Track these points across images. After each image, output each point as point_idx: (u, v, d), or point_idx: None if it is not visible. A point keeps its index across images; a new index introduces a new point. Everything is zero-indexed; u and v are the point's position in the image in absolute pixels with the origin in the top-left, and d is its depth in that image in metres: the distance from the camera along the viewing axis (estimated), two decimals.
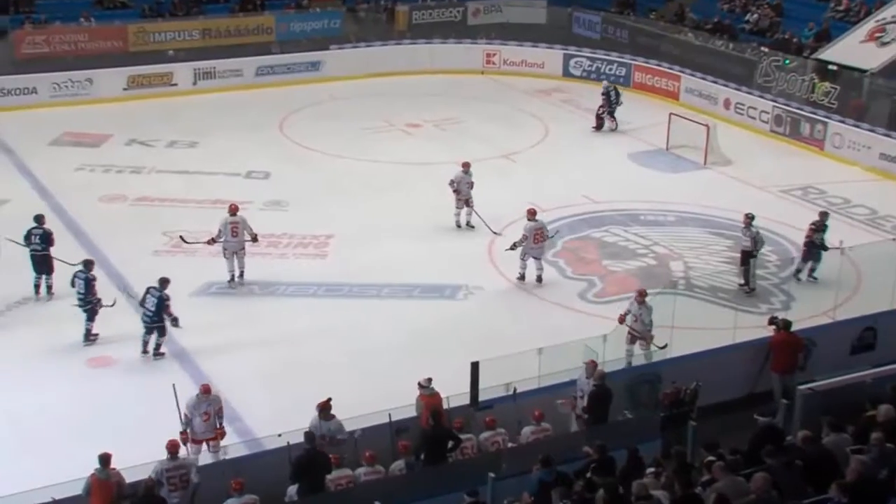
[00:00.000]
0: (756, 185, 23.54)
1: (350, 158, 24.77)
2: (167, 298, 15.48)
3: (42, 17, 30.08)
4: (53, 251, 17.38)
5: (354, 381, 14.97)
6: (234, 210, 18.01)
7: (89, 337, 16.11)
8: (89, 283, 16.02)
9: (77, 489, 11.27)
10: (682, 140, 25.52)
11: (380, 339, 16.37)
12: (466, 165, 20.70)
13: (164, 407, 13.08)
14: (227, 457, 12.45)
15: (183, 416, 12.81)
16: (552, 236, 19.07)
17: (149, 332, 15.67)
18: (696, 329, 15.57)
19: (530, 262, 18.24)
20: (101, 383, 15.14)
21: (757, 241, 18.07)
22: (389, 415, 12.68)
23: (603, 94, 27.40)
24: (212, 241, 17.85)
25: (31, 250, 17.29)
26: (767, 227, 20.22)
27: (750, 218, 18.06)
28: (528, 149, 25.92)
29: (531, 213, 18.35)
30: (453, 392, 13.02)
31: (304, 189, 22.58)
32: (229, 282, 17.97)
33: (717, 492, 9.09)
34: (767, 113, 27.34)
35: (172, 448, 11.67)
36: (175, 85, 29.77)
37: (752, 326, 15.85)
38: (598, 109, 27.32)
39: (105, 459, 11.32)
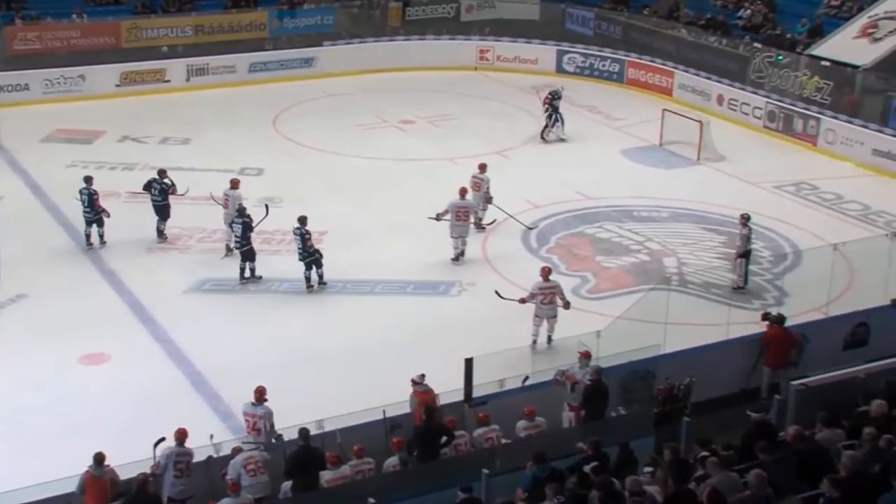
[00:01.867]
0: (749, 181, 23.59)
1: (344, 155, 24.77)
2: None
3: (33, 13, 29.99)
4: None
5: (349, 377, 14.99)
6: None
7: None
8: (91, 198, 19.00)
9: (71, 486, 11.27)
10: (676, 136, 25.55)
11: (374, 336, 16.38)
12: (483, 167, 20.60)
13: (157, 403, 13.06)
14: (221, 454, 12.46)
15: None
16: (531, 228, 19.50)
17: (308, 266, 17.67)
18: (689, 325, 15.62)
19: (452, 241, 18.80)
20: (94, 380, 15.13)
21: (749, 240, 18.00)
22: (384, 411, 12.69)
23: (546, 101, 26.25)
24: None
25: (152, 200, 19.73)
26: (761, 224, 20.29)
27: (746, 218, 18.01)
28: (522, 145, 25.93)
29: (461, 192, 18.89)
30: (447, 388, 13.05)
31: (297, 185, 22.57)
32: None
33: (711, 487, 9.12)
34: (761, 109, 27.39)
35: (181, 435, 11.70)
36: (168, 81, 29.73)
37: (745, 322, 15.90)
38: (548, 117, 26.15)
39: (99, 458, 11.32)
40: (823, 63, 27.02)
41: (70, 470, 11.39)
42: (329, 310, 17.41)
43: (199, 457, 11.92)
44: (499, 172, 21.34)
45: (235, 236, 18.09)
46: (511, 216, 20.36)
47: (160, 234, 19.78)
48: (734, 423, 11.93)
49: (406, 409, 12.97)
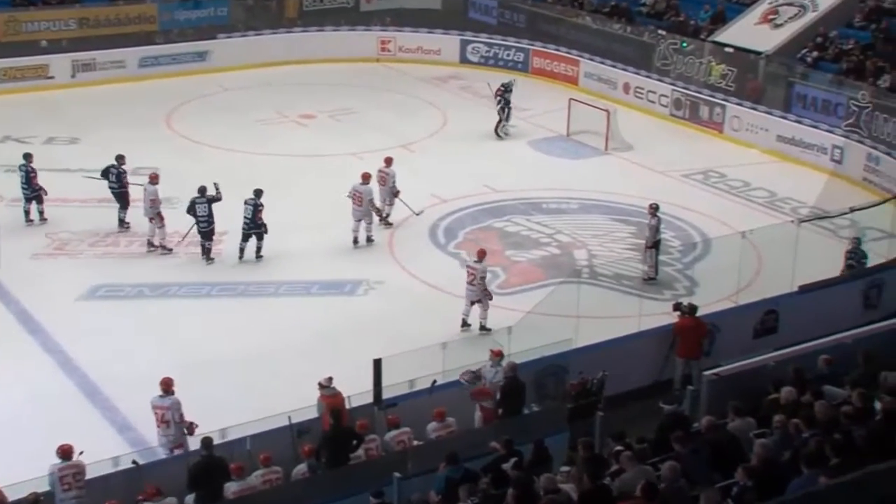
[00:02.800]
0: (657, 170, 24.04)
1: (242, 152, 24.50)
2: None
3: None
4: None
5: (252, 383, 14.85)
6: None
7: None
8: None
9: None
10: (583, 126, 25.88)
11: (278, 339, 16.26)
12: (389, 161, 20.59)
13: (49, 418, 12.75)
14: (122, 468, 12.24)
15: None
16: (418, 214, 20.14)
17: (245, 238, 18.71)
18: (601, 318, 15.86)
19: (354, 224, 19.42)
20: None
21: (658, 228, 18.32)
22: (289, 417, 12.61)
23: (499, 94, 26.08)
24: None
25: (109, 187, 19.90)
26: (670, 213, 20.70)
27: (654, 208, 18.33)
28: (427, 138, 25.99)
29: (362, 176, 19.40)
30: (356, 391, 13.02)
31: (194, 185, 22.16)
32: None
33: (645, 481, 9.22)
34: (667, 97, 27.93)
35: (63, 452, 11.63)
36: (52, 78, 29.00)
37: (656, 314, 16.19)
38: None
39: None
40: (727, 50, 27.65)
41: None
42: (230, 313, 17.22)
43: (100, 470, 11.72)
44: (403, 167, 21.36)
45: (200, 216, 18.63)
46: (404, 203, 20.37)
47: (121, 222, 19.90)
48: (648, 415, 12.15)
49: (314, 414, 12.91)
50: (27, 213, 20.08)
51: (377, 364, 13.04)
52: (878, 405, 10.49)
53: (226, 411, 13.38)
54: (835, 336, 13.68)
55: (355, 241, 19.57)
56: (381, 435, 12.62)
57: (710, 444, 10.43)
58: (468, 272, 16.67)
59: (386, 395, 13.17)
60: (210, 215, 18.69)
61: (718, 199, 22.49)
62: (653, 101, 28.31)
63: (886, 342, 13.13)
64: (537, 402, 13.68)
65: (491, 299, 16.59)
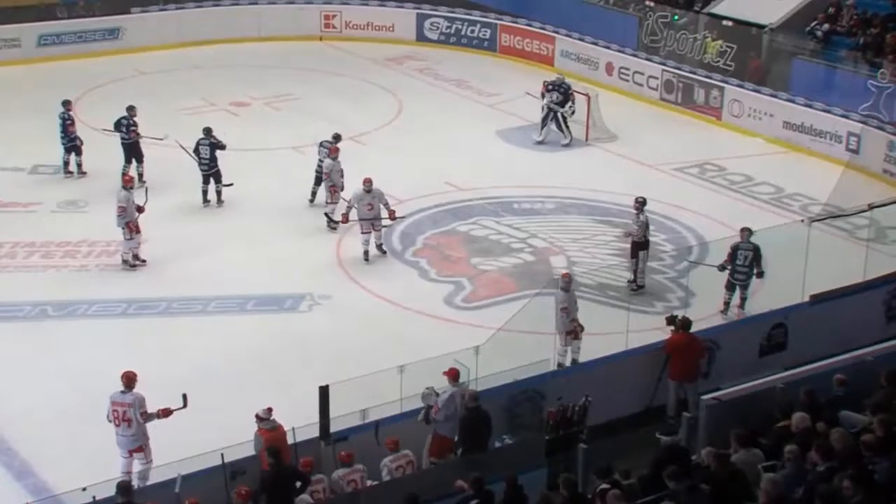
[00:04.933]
0: (646, 164, 24.19)
1: (163, 146, 24.29)
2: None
3: None
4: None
5: (178, 416, 14.71)
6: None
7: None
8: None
9: None
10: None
11: (207, 364, 16.17)
12: (335, 151, 20.59)
13: None
14: None
15: None
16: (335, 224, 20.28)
17: (206, 180, 21.19)
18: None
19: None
20: None
21: (647, 227, 18.42)
22: (222, 455, 12.54)
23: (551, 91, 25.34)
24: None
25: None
26: (661, 213, 20.85)
27: (640, 203, 18.45)
28: (380, 128, 26.00)
29: (365, 183, 19.27)
30: (300, 423, 12.98)
31: (105, 185, 22.10)
32: None
33: None
34: (656, 78, 28.12)
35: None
36: None
37: (647, 329, 16.29)
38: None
39: None
40: (725, 23, 27.87)
41: None
42: (149, 335, 17.10)
43: None
44: (352, 162, 21.34)
45: (203, 157, 20.97)
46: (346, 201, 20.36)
47: (139, 177, 21.74)
48: (638, 447, 12.21)
49: (251, 451, 12.86)
50: (66, 164, 22.61)
51: (324, 392, 13.01)
52: None
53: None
54: (853, 353, 13.81)
55: (366, 256, 19.37)
56: (330, 474, 12.59)
57: (711, 479, 10.49)
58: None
59: (334, 427, 13.13)
60: (213, 158, 21.02)
61: (717, 195, 22.67)
62: (640, 84, 28.50)
63: None
64: (510, 432, 13.69)
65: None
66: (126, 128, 22.00)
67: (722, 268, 17.37)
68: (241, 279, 18.73)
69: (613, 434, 13.75)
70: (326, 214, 20.38)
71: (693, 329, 15.15)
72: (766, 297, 17.47)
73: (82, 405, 15.09)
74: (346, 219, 19.45)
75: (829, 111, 24.97)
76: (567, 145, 25.04)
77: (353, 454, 12.71)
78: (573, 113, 25.14)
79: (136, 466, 13.42)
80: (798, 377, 13.06)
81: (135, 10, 31.52)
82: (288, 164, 23.32)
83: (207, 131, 21.19)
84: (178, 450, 12.66)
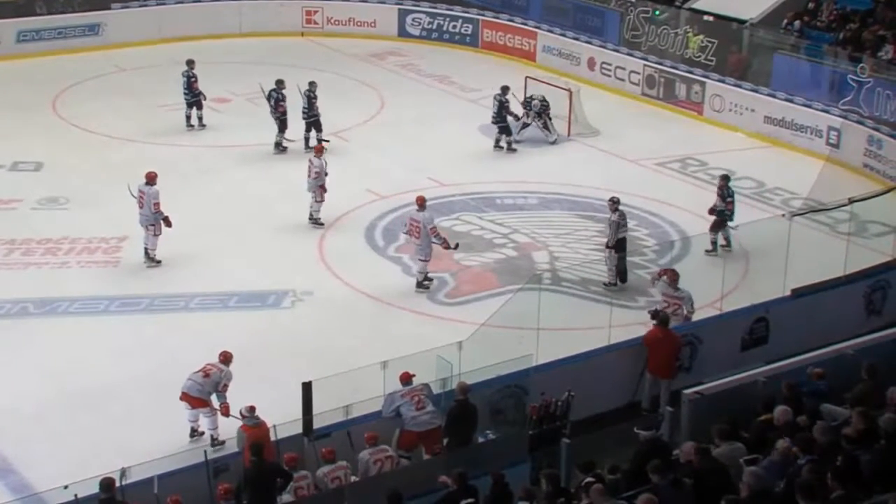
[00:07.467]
0: (628, 158, 24.24)
1: (144, 143, 24.34)
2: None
3: None
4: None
5: (159, 413, 14.72)
6: None
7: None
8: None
9: None
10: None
11: (189, 362, 16.01)
12: (320, 150, 20.50)
13: None
14: None
15: None
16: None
17: (190, 106, 24.34)
18: (565, 330, 15.94)
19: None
20: None
21: (620, 225, 18.27)
22: (205, 452, 12.56)
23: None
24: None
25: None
26: (643, 208, 20.89)
27: (615, 202, 18.33)
28: (361, 124, 25.98)
29: (417, 201, 18.36)
30: (283, 420, 12.98)
31: (87, 182, 22.06)
32: None
33: None
34: (638, 73, 28.18)
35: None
36: None
37: (630, 324, 16.28)
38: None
39: None
40: (706, 18, 27.95)
41: None
42: (130, 333, 17.04)
43: None
44: (335, 158, 21.33)
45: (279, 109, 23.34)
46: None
47: (199, 120, 24.79)
48: (621, 442, 12.22)
49: (233, 449, 12.84)
50: (188, 118, 24.76)
51: (307, 388, 12.99)
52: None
53: (127, 448, 13.24)
54: (834, 346, 13.88)
55: (424, 283, 18.41)
56: (313, 471, 12.58)
57: (693, 473, 10.51)
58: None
59: (317, 424, 13.13)
60: (277, 108, 23.42)
61: (698, 190, 22.68)
62: (622, 79, 28.54)
63: (893, 353, 13.33)
64: (493, 428, 13.71)
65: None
66: (275, 101, 23.44)
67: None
68: (223, 276, 18.68)
69: (596, 429, 13.75)
70: (311, 214, 20.29)
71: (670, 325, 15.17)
72: (748, 291, 17.52)
73: (63, 403, 15.07)
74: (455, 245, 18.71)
75: (809, 106, 25.04)
76: (554, 143, 25.03)
77: (334, 451, 12.72)
78: (555, 142, 25.04)
79: (203, 421, 13.93)
80: (779, 371, 13.11)
81: (115, 5, 31.39)
82: (269, 160, 23.28)
83: (279, 83, 23.56)
84: (160, 448, 12.64)
